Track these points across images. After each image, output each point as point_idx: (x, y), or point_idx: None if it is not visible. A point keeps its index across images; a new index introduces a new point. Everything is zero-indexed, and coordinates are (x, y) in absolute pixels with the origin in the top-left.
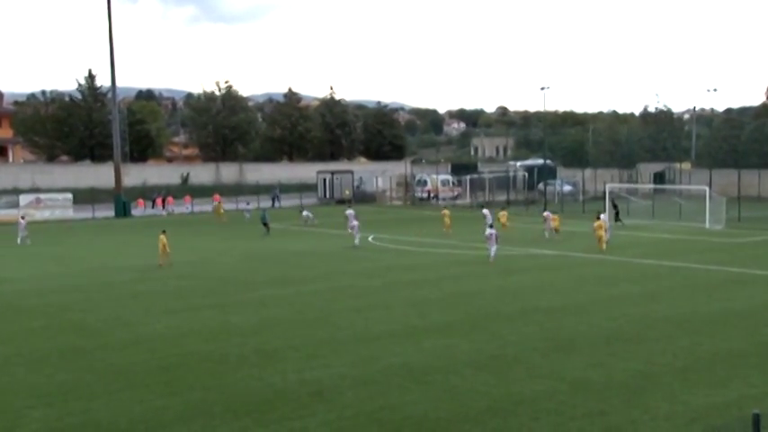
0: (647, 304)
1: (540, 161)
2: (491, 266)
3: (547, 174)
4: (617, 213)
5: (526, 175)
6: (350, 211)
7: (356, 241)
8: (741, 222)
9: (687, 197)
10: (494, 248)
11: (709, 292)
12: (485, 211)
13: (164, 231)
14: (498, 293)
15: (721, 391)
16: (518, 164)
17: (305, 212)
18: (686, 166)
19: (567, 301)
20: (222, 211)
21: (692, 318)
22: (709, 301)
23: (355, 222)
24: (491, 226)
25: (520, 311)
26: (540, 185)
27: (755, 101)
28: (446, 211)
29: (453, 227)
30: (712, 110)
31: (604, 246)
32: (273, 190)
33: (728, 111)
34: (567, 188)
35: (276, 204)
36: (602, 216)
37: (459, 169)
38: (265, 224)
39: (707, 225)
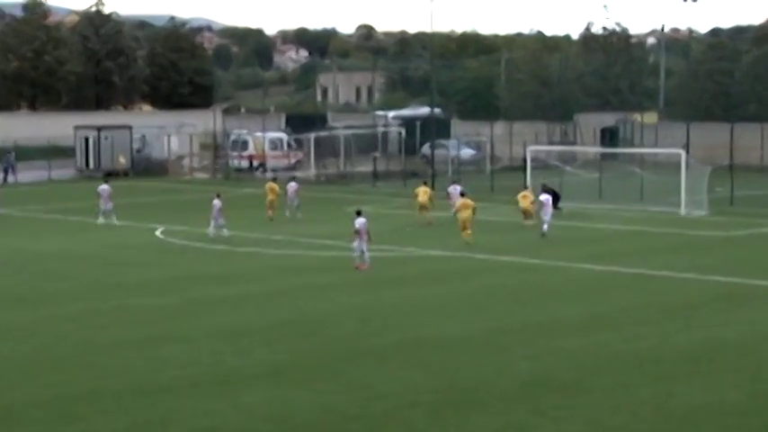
0: (592, 334)
1: (425, 110)
2: (364, 272)
3: (436, 130)
4: (556, 201)
5: (403, 132)
6: (103, 187)
7: (211, 231)
8: (734, 206)
9: (653, 167)
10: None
11: (687, 315)
12: (451, 188)
13: None
14: (363, 318)
15: None
16: (391, 114)
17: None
18: (651, 117)
19: (467, 328)
20: None
21: (660, 355)
22: (685, 329)
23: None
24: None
25: (395, 345)
26: (425, 148)
27: (756, 18)
28: (273, 185)
29: (301, 214)
30: (690, 31)
31: (531, 222)
32: (5, 156)
33: (715, 32)
34: (468, 153)
35: (10, 178)
36: (543, 199)
37: (298, 123)
38: None
39: (682, 210)
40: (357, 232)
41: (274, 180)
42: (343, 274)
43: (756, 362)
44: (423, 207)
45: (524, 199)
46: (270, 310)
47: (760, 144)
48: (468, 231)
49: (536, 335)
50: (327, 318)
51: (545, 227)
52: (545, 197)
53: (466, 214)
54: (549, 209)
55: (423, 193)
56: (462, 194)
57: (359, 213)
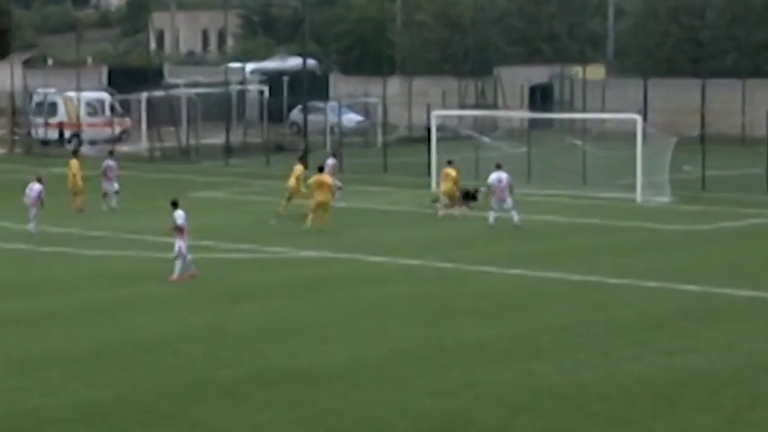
0: (519, 362)
1: (295, 62)
2: (181, 284)
3: (309, 89)
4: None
5: (266, 92)
6: None
7: (31, 228)
8: (706, 191)
9: (599, 138)
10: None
11: (644, 337)
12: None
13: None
14: (210, 342)
15: None
16: (249, 68)
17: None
18: (596, 72)
19: (353, 356)
20: None
21: (609, 390)
22: (641, 356)
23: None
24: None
25: (254, 379)
26: (295, 113)
27: None
28: (74, 162)
29: (121, 201)
30: None
31: (454, 212)
32: None
33: None
34: (352, 119)
35: None
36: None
37: (125, 80)
38: None
39: (638, 196)
40: (178, 230)
41: (75, 154)
42: (187, 283)
43: (733, 398)
44: (294, 193)
45: (446, 178)
46: (85, 332)
47: (740, 107)
48: (311, 217)
49: (447, 364)
50: (163, 342)
51: (516, 218)
52: (497, 177)
53: (323, 197)
54: (506, 192)
55: (296, 174)
56: (320, 169)
57: (175, 205)
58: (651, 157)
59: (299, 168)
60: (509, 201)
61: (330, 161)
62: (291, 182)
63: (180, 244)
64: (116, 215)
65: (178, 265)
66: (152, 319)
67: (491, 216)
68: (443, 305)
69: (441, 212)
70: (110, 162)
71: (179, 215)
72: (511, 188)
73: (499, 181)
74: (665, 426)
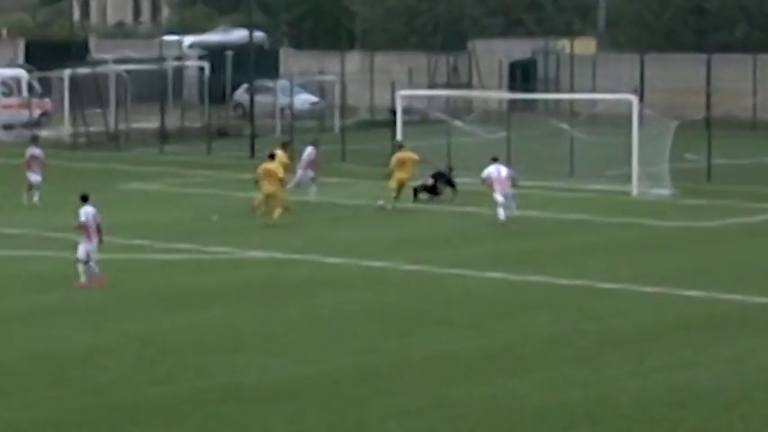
0: (497, 378)
1: (240, 35)
2: (93, 288)
3: (256, 65)
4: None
5: (207, 68)
6: None
7: None
8: (712, 182)
9: (589, 122)
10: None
11: (641, 350)
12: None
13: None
14: (143, 356)
15: None
16: (187, 42)
17: None
18: (585, 46)
19: (307, 371)
20: None
21: (601, 412)
22: (639, 371)
23: None
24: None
25: (193, 398)
26: (240, 93)
27: None
28: None
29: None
30: None
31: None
32: None
33: None
34: (306, 100)
35: None
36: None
37: (44, 55)
38: None
39: (634, 189)
40: (82, 228)
41: None
42: (113, 288)
43: (742, 420)
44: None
45: (402, 167)
46: None
47: (751, 86)
48: (263, 208)
49: (415, 380)
50: (88, 356)
51: (508, 212)
52: (496, 169)
53: (272, 188)
54: (507, 184)
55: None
56: (272, 156)
57: (85, 200)
58: (649, 143)
59: (281, 156)
60: (509, 194)
61: (311, 150)
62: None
63: (83, 246)
64: (34, 211)
65: (81, 268)
66: (75, 330)
67: (500, 212)
68: (411, 313)
69: (389, 206)
70: (35, 150)
71: (84, 212)
72: (514, 181)
73: (498, 172)
74: None
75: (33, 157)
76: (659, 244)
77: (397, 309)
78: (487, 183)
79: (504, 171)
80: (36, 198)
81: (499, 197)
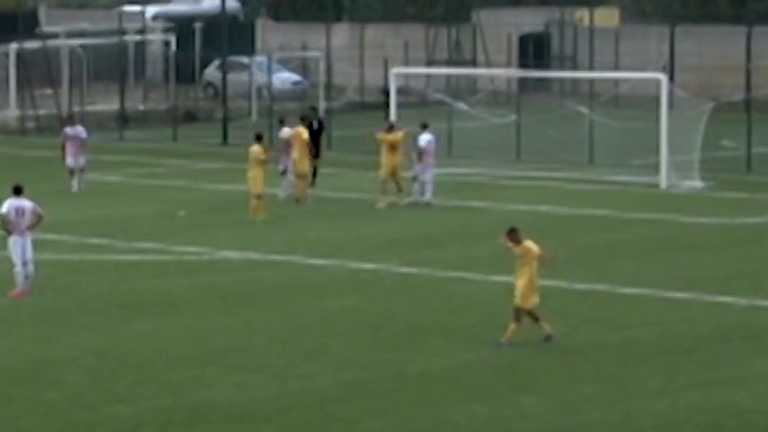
0: (507, 394)
1: (211, 4)
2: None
3: (230, 40)
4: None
5: (172, 43)
6: None
7: None
8: (752, 173)
9: (611, 104)
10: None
11: (671, 364)
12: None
13: None
14: (99, 369)
15: None
16: (150, 12)
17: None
18: (607, 16)
19: (282, 388)
20: None
21: None
22: (669, 389)
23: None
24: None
25: (157, 417)
26: (211, 70)
27: None
28: None
29: None
30: None
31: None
32: None
33: None
34: (287, 79)
35: None
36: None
37: None
38: None
39: (662, 180)
40: (7, 224)
41: None
42: (66, 293)
43: None
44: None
45: (391, 151)
46: None
47: None
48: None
49: (410, 399)
50: (39, 370)
51: (425, 194)
52: (427, 139)
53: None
54: (431, 160)
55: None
56: (258, 138)
57: (18, 192)
58: (680, 128)
59: (302, 132)
60: (430, 171)
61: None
62: (294, 153)
63: (15, 241)
64: None
65: (16, 274)
66: (23, 341)
67: (420, 191)
68: (406, 323)
69: (381, 203)
70: None
71: (8, 204)
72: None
73: (429, 142)
74: None
75: None
76: (691, 243)
77: (391, 318)
78: (424, 152)
79: (432, 142)
80: None
81: (420, 170)
